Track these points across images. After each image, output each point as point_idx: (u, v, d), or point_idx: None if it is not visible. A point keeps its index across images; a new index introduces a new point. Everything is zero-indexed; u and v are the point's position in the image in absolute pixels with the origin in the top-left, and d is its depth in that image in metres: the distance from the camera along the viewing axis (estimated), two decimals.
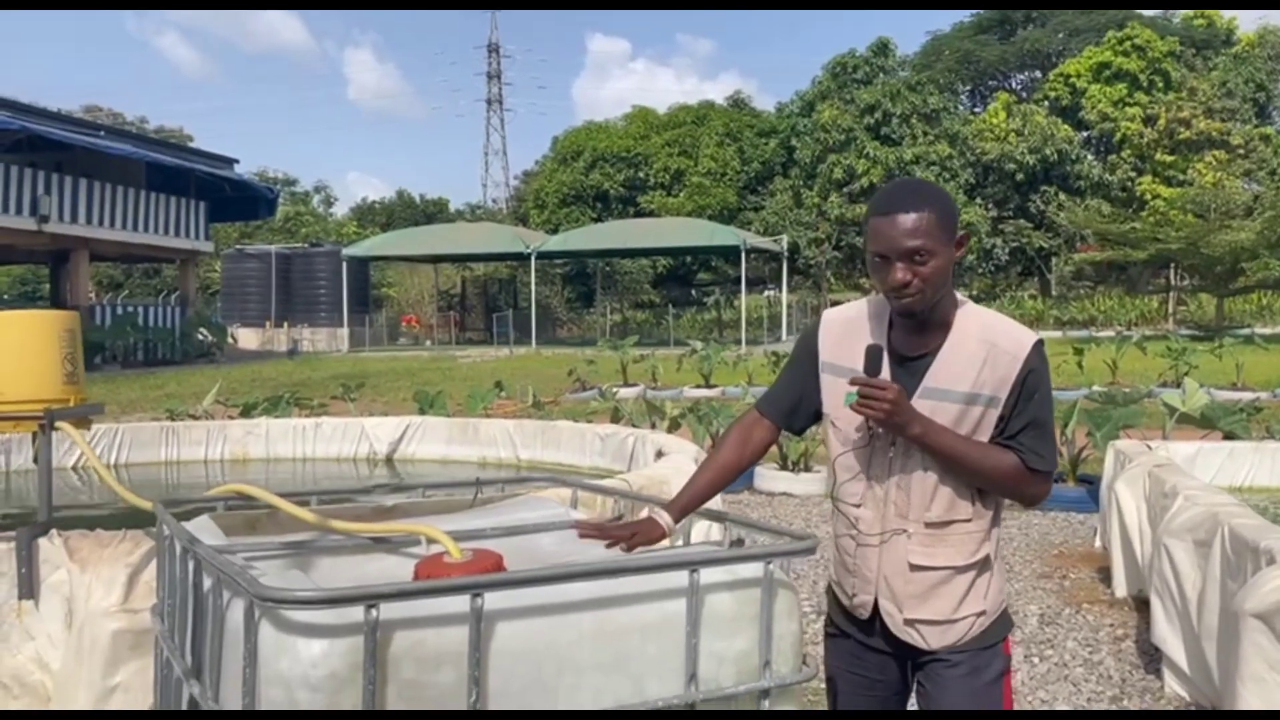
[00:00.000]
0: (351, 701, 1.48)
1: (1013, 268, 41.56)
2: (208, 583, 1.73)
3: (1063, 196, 37.93)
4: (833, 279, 40.39)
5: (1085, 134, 41.60)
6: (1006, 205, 39.81)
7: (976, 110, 45.73)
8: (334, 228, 52.48)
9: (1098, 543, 6.30)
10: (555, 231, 39.17)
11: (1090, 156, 40.56)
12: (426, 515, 2.36)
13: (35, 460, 3.41)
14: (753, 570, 1.79)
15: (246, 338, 34.42)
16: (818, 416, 2.17)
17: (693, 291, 46.74)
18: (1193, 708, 3.89)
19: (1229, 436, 7.37)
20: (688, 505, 2.14)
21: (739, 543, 2.15)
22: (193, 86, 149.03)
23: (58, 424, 3.25)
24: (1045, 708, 3.94)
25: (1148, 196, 38.13)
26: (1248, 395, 12.78)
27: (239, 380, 18.91)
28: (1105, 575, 5.65)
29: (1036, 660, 4.44)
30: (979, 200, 39.14)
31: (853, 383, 1.94)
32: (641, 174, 45.11)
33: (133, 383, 19.09)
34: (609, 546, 2.03)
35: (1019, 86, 48.02)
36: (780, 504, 8.01)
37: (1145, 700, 4.01)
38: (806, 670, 1.85)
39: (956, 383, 1.98)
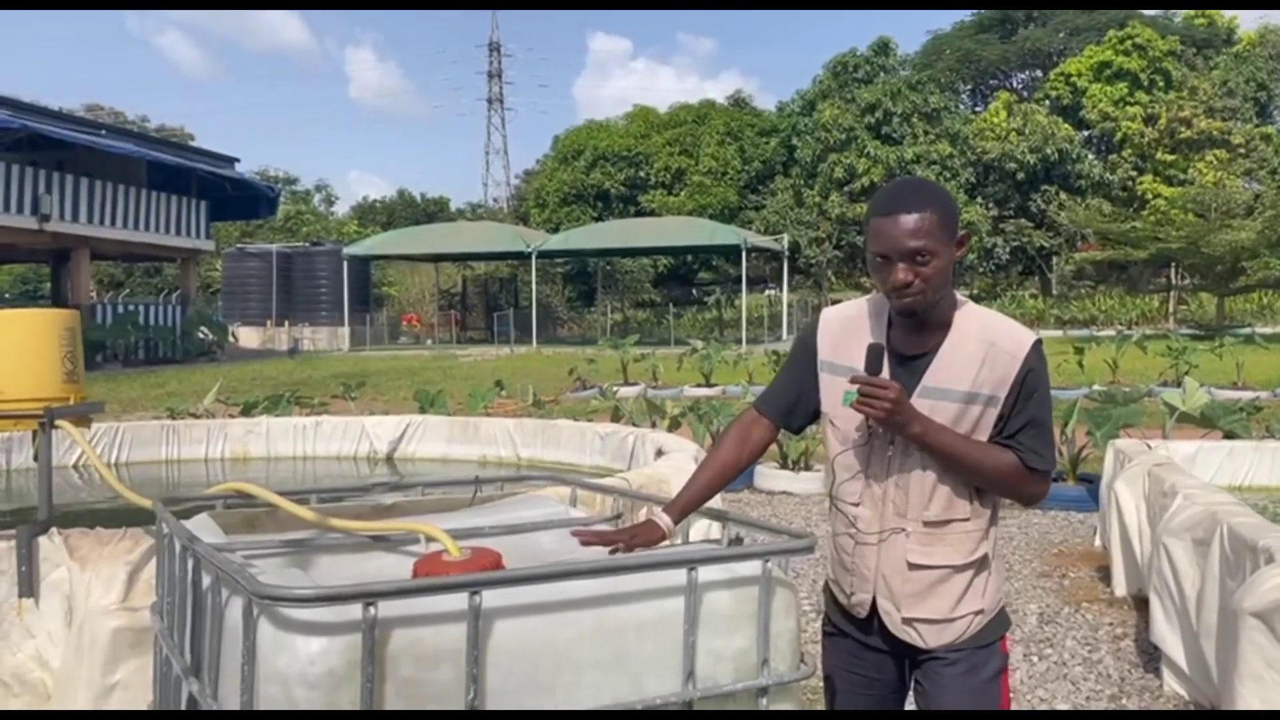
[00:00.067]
0: (349, 699, 1.49)
1: (1013, 267, 41.55)
2: (207, 580, 1.74)
3: (1063, 196, 37.91)
4: (834, 278, 40.40)
5: (1086, 133, 41.61)
6: (1007, 204, 39.81)
7: (977, 109, 45.75)
8: (335, 227, 52.48)
9: (1097, 542, 6.30)
10: (556, 230, 39.17)
11: (1091, 156, 40.56)
12: (426, 514, 2.37)
13: (35, 458, 3.42)
14: (751, 568, 1.79)
15: (247, 337, 34.44)
16: (816, 415, 2.16)
17: (693, 291, 46.75)
18: (1191, 706, 3.90)
19: (1229, 436, 7.37)
20: (687, 506, 2.14)
21: (737, 541, 2.16)
22: (194, 85, 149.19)
23: (58, 422, 3.25)
24: (1044, 706, 3.95)
25: (1148, 196, 38.12)
26: (1248, 394, 12.78)
27: (240, 379, 18.92)
28: (1105, 574, 5.65)
29: (1036, 659, 4.45)
30: (980, 199, 39.13)
31: (853, 381, 1.94)
32: (642, 173, 45.11)
33: (134, 381, 19.11)
34: (611, 553, 2.03)
35: (1020, 86, 48.02)
36: (780, 503, 8.01)
37: (1144, 699, 4.01)
38: (804, 668, 1.86)
39: (956, 382, 1.98)
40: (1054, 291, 40.75)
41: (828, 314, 2.18)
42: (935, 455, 1.97)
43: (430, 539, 1.98)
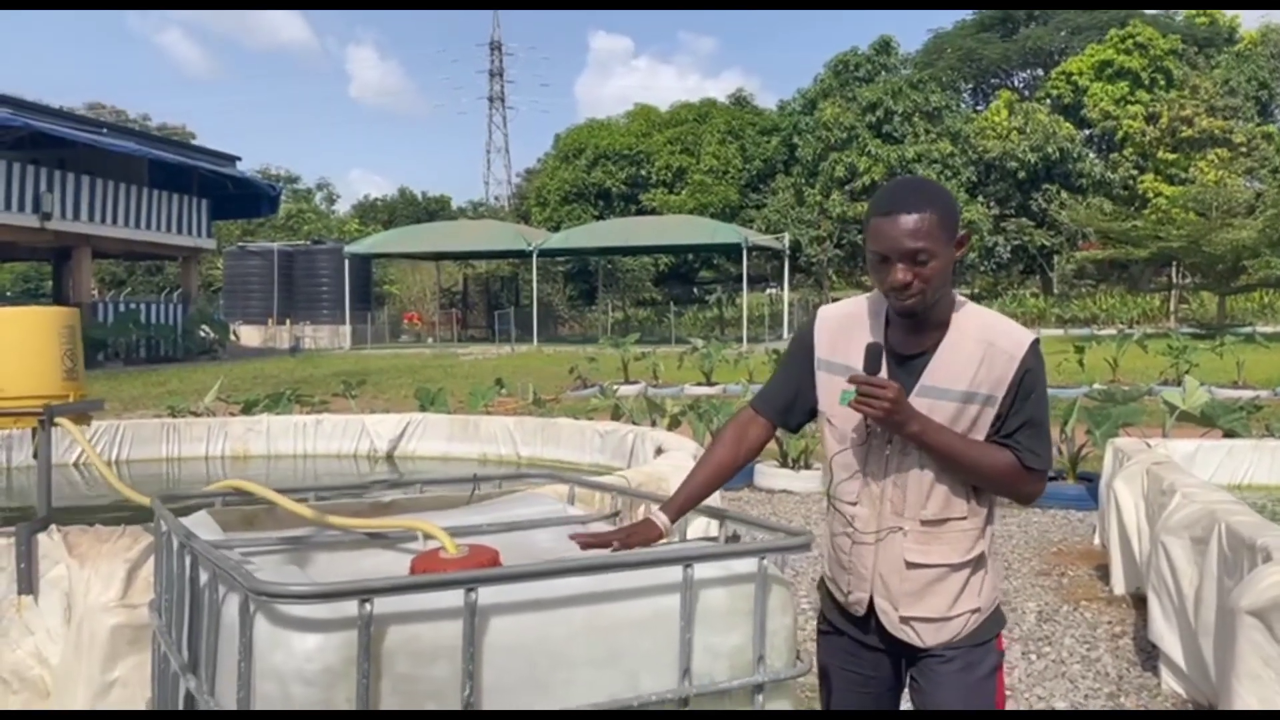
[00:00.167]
0: (345, 695, 1.49)
1: (1015, 266, 41.55)
2: (204, 577, 1.74)
3: (1065, 195, 37.90)
4: (834, 277, 40.39)
5: (1087, 132, 41.59)
6: (1008, 203, 39.79)
7: (979, 108, 45.73)
8: (336, 225, 52.50)
9: (1096, 540, 6.31)
10: (557, 229, 39.19)
11: (1092, 155, 40.56)
12: (424, 511, 2.37)
13: (35, 456, 3.42)
14: (747, 565, 1.80)
15: (248, 335, 34.48)
16: (813, 414, 2.16)
17: (694, 289, 46.75)
18: (1189, 705, 3.90)
19: (1229, 434, 7.37)
20: (684, 505, 2.14)
21: (735, 539, 2.16)
22: (195, 84, 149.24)
23: (57, 420, 3.26)
24: (1043, 704, 3.95)
25: (1150, 195, 38.10)
26: (1248, 393, 12.78)
27: (241, 377, 18.94)
28: (1103, 572, 5.65)
29: (1034, 657, 4.45)
30: (981, 198, 39.12)
31: (852, 381, 1.94)
32: (643, 172, 45.11)
33: (135, 379, 19.12)
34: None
35: (1021, 84, 48.00)
36: (780, 501, 8.02)
37: (1142, 697, 4.02)
38: (800, 666, 1.86)
39: (954, 381, 1.98)
40: (1055, 290, 40.73)
41: (825, 312, 2.18)
42: (933, 454, 1.97)
43: (428, 536, 1.98)
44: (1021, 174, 38.78)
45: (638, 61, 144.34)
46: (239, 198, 30.58)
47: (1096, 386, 12.59)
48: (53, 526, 3.19)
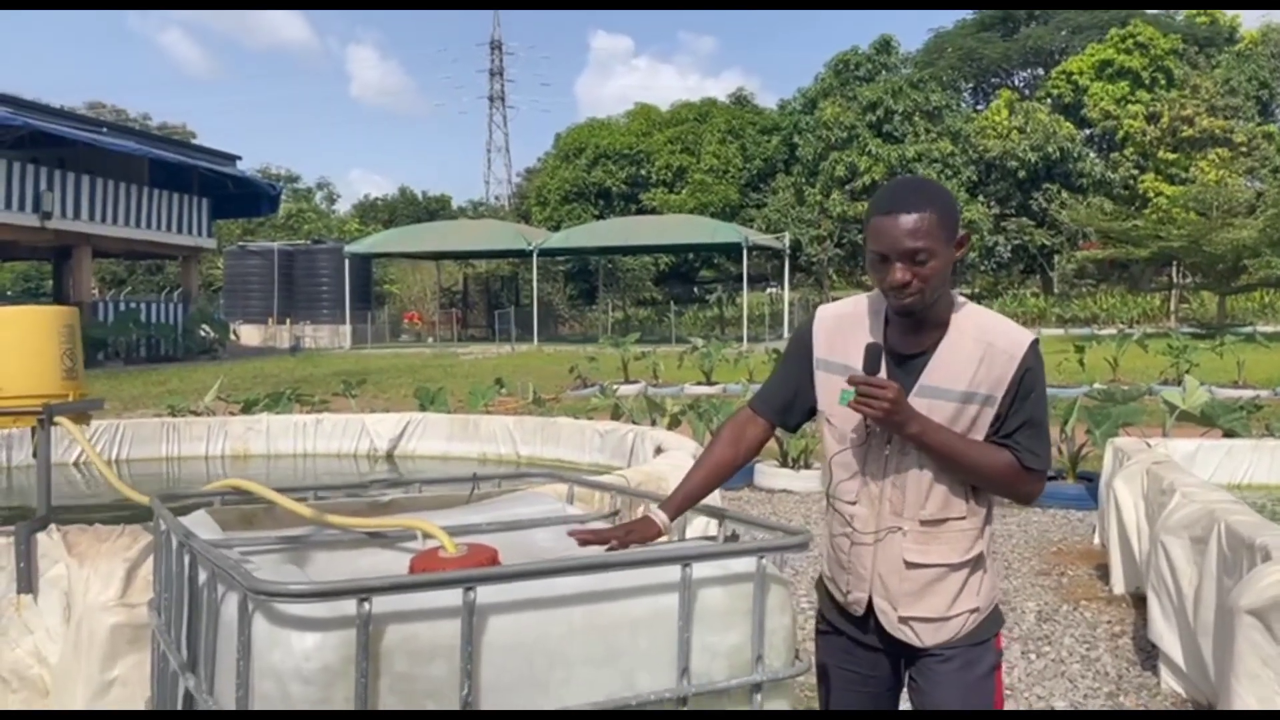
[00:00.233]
0: (344, 694, 1.49)
1: (1015, 265, 41.53)
2: (203, 576, 1.74)
3: (1065, 194, 37.90)
4: (835, 276, 40.39)
5: (1088, 131, 41.58)
6: (1009, 203, 39.78)
7: (979, 108, 45.73)
8: (336, 225, 52.50)
9: (1096, 540, 6.30)
10: (557, 228, 39.18)
11: (1093, 154, 40.54)
12: (423, 510, 2.37)
13: (35, 455, 3.43)
14: (745, 565, 1.80)
15: (249, 334, 34.48)
16: (812, 413, 2.16)
17: (695, 289, 46.74)
18: (1189, 704, 3.90)
19: (1229, 434, 7.37)
20: (683, 504, 2.14)
21: (734, 538, 2.16)
22: (195, 83, 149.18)
23: (57, 419, 3.26)
24: (1042, 704, 3.95)
25: (1150, 194, 38.10)
26: (1248, 393, 12.78)
27: (241, 376, 18.94)
28: (1103, 572, 5.65)
29: (1034, 656, 4.45)
30: (981, 198, 39.11)
31: (851, 381, 1.94)
32: (644, 171, 45.10)
33: (135, 379, 19.12)
34: (606, 549, 2.03)
35: (1021, 84, 47.99)
36: (780, 500, 8.02)
37: (1141, 697, 4.02)
38: (799, 665, 1.86)
39: (953, 381, 1.98)
40: (1055, 290, 40.73)
41: (823, 311, 2.18)
42: (932, 454, 1.97)
43: (427, 535, 1.99)
44: (1022, 173, 38.77)
45: (638, 61, 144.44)
46: (239, 197, 30.57)
47: (1096, 386, 12.59)
48: (52, 525, 3.19)
